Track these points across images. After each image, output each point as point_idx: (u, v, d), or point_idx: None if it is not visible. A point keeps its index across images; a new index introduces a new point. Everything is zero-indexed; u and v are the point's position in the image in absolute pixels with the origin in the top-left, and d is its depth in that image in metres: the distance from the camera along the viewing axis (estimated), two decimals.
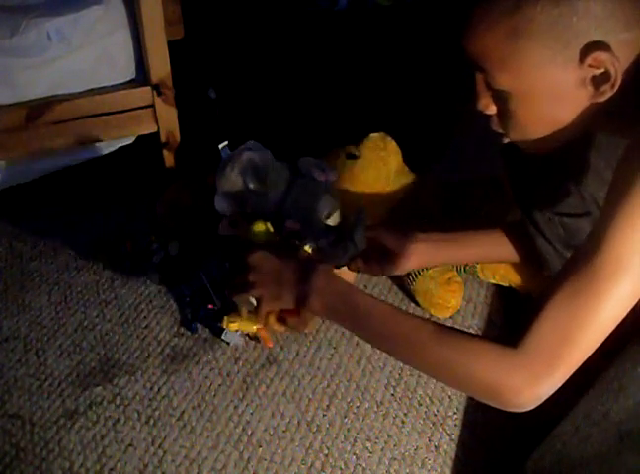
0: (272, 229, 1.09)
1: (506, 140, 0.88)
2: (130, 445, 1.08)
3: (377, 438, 1.09)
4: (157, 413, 1.13)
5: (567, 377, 0.66)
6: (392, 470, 1.05)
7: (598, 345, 0.66)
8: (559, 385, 0.66)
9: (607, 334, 0.65)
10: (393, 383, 1.18)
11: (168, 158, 1.52)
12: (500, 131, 0.80)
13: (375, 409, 1.14)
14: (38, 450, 1.07)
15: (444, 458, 1.07)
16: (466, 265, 1.33)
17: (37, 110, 1.33)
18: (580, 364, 0.66)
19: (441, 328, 0.74)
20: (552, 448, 0.88)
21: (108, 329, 1.28)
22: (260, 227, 1.08)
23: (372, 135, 1.50)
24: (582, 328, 0.64)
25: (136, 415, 1.12)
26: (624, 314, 0.65)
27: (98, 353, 1.23)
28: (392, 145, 1.48)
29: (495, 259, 1.20)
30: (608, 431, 0.84)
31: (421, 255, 1.09)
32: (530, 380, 0.66)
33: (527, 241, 1.06)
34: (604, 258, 0.64)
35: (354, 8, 1.81)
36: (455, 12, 1.68)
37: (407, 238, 1.09)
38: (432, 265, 1.21)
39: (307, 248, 1.17)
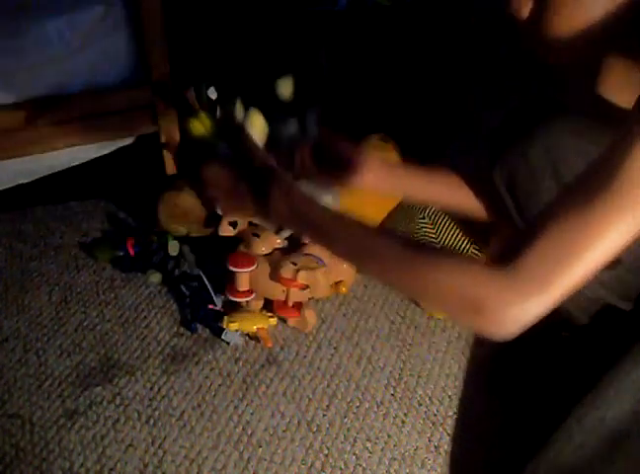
0: (208, 123, 1.03)
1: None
2: (130, 445, 1.08)
3: (377, 438, 1.09)
4: (157, 413, 1.13)
5: (553, 304, 0.63)
6: (392, 470, 1.05)
7: (590, 275, 0.63)
8: (544, 311, 0.63)
9: (602, 266, 0.63)
10: (393, 383, 1.18)
11: (168, 158, 1.52)
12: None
13: (375, 409, 1.14)
14: (38, 450, 1.07)
15: (444, 458, 1.07)
16: None
17: (37, 110, 1.33)
18: (568, 292, 0.63)
19: (417, 242, 0.73)
20: (546, 457, 0.87)
21: (108, 329, 1.28)
22: (196, 124, 1.03)
23: (372, 135, 1.50)
24: (580, 253, 0.62)
25: (136, 415, 1.12)
26: (620, 249, 0.63)
27: (98, 353, 1.23)
28: (392, 145, 1.48)
29: (451, 204, 1.12)
30: (603, 438, 0.82)
31: (376, 172, 1.05)
32: (517, 298, 0.62)
33: (489, 192, 1.03)
34: (623, 187, 0.60)
35: (354, 8, 1.81)
36: (455, 12, 1.68)
37: (364, 152, 1.05)
38: (386, 189, 1.12)
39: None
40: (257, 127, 0.99)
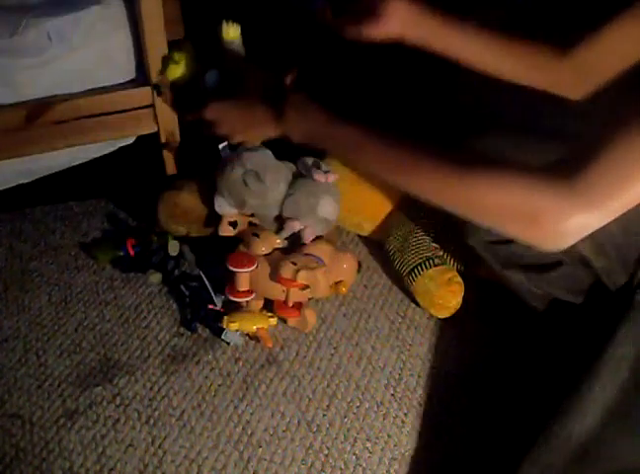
0: (184, 58, 1.03)
1: None
2: (130, 445, 1.08)
3: (377, 438, 1.09)
4: (157, 413, 1.13)
5: (612, 218, 0.62)
6: (392, 470, 1.05)
7: None
8: (600, 225, 0.62)
9: None
10: (393, 383, 1.18)
11: (168, 158, 1.52)
12: None
13: (375, 409, 1.14)
14: (38, 450, 1.07)
15: (444, 458, 1.07)
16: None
17: (37, 110, 1.33)
18: (625, 209, 0.62)
19: (466, 154, 0.67)
20: None
21: (108, 329, 1.28)
22: (172, 68, 1.01)
23: None
24: None
25: (136, 415, 1.12)
26: None
27: (98, 353, 1.23)
28: None
29: (498, 70, 0.98)
30: (570, 454, 0.81)
31: (404, 19, 0.95)
32: (578, 210, 0.61)
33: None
34: None
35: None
36: (455, 12, 1.68)
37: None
38: (415, 40, 1.01)
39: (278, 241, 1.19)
40: (232, 36, 0.97)
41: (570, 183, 0.62)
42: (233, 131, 0.88)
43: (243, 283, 1.23)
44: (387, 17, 0.94)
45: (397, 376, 1.20)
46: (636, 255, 0.91)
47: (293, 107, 0.79)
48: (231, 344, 1.24)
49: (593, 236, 0.86)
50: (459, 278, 1.30)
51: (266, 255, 1.26)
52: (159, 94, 1.40)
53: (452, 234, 1.33)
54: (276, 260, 1.23)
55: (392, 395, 1.16)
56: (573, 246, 0.89)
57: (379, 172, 0.76)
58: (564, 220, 0.62)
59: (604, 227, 0.84)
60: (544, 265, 1.04)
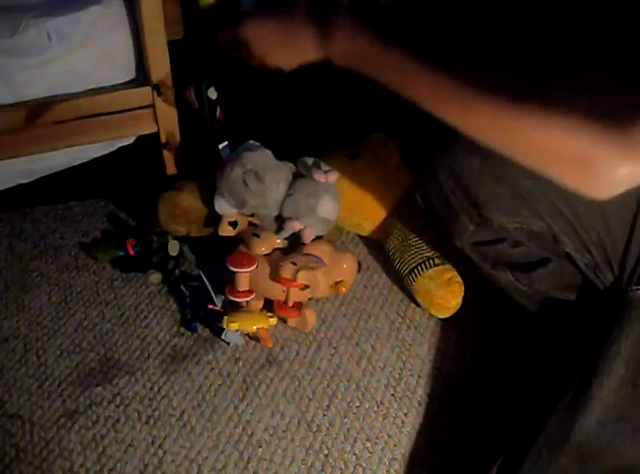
0: None
1: None
2: (130, 445, 1.08)
3: (377, 438, 1.09)
4: (157, 413, 1.13)
5: None
6: (392, 470, 1.05)
7: None
8: None
9: None
10: (393, 383, 1.18)
11: (168, 158, 1.52)
12: None
13: (375, 409, 1.14)
14: (38, 450, 1.07)
15: (444, 458, 1.07)
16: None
17: (37, 110, 1.33)
18: None
19: (525, 88, 0.64)
20: None
21: (108, 329, 1.28)
22: None
23: (372, 135, 1.50)
24: None
25: (136, 415, 1.12)
26: None
27: (98, 353, 1.23)
28: (392, 145, 1.48)
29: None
30: (570, 454, 0.82)
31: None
32: (631, 160, 0.61)
33: None
34: None
35: (354, 8, 1.81)
36: (456, 12, 1.68)
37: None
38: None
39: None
40: None
41: (625, 133, 0.61)
42: (270, 50, 0.77)
43: (243, 283, 1.23)
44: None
45: (397, 376, 1.20)
46: (621, 252, 0.90)
47: (341, 27, 0.73)
48: (231, 344, 1.24)
49: (575, 231, 0.86)
50: (459, 278, 1.30)
51: (266, 255, 1.26)
52: (159, 94, 1.40)
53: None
54: (276, 260, 1.23)
55: (392, 395, 1.16)
56: (557, 242, 0.88)
57: (429, 104, 0.72)
58: (615, 169, 0.62)
59: (586, 222, 0.84)
60: (531, 263, 1.04)
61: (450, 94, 0.68)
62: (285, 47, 0.76)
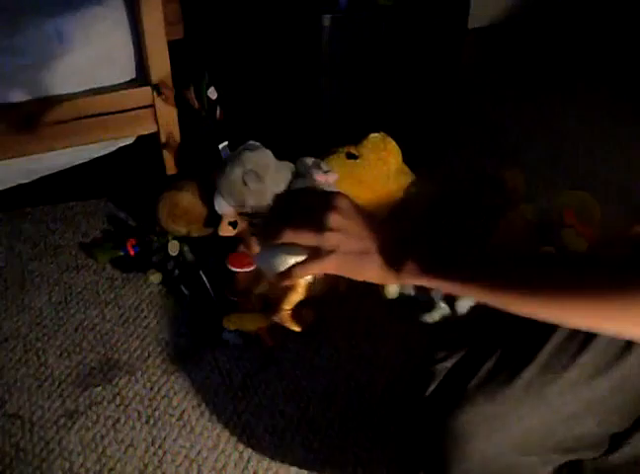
0: None
1: None
2: (130, 445, 1.08)
3: (377, 438, 1.09)
4: (157, 413, 1.13)
5: None
6: (392, 470, 1.05)
7: None
8: None
9: None
10: (393, 383, 1.18)
11: (168, 158, 1.52)
12: None
13: (375, 409, 1.14)
14: (38, 450, 1.07)
15: None
16: None
17: (37, 110, 1.33)
18: None
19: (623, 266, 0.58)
20: None
21: (108, 329, 1.28)
22: None
23: (372, 135, 1.50)
24: None
25: (136, 415, 1.12)
26: None
27: (98, 353, 1.23)
28: (392, 145, 1.48)
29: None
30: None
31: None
32: None
33: None
34: None
35: (354, 8, 1.81)
36: (456, 12, 1.67)
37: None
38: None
39: None
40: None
41: None
42: (342, 245, 0.63)
43: (243, 283, 1.23)
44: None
45: (397, 376, 1.20)
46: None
47: (413, 264, 0.63)
48: (231, 344, 1.24)
49: None
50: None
51: None
52: (159, 94, 1.40)
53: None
54: None
55: (392, 395, 1.16)
56: None
57: (518, 308, 0.63)
58: None
59: None
60: None
61: (546, 298, 0.61)
62: (352, 256, 0.64)
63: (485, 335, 0.86)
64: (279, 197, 0.67)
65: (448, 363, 0.82)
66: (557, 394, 0.73)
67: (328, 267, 0.63)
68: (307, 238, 0.63)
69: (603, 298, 0.58)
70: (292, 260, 0.63)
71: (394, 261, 0.63)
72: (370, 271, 0.64)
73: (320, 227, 0.62)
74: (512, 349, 0.80)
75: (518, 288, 0.62)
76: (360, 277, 0.65)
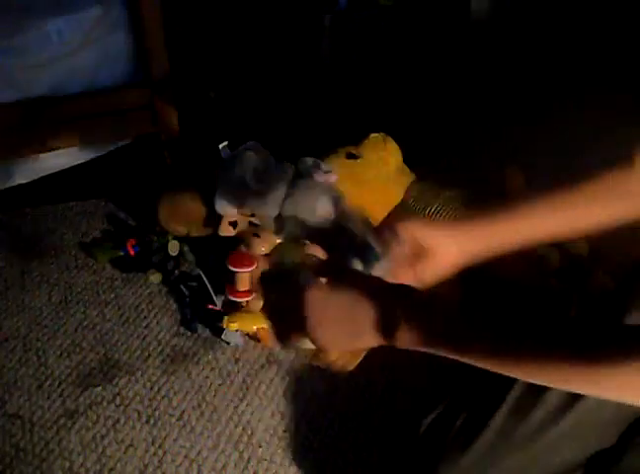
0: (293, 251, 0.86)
1: None
2: (130, 445, 1.08)
3: (377, 438, 1.09)
4: (157, 413, 1.13)
5: None
6: (393, 470, 1.05)
7: None
8: None
9: None
10: (393, 383, 1.18)
11: (168, 158, 1.52)
12: None
13: (375, 409, 1.14)
14: (38, 450, 1.07)
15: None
16: None
17: (37, 110, 1.33)
18: None
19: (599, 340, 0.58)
20: None
21: (108, 329, 1.28)
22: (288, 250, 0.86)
23: (372, 135, 1.50)
24: None
25: (136, 415, 1.12)
26: None
27: (98, 353, 1.23)
28: (392, 145, 1.48)
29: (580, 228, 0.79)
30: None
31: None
32: None
33: None
34: None
35: (354, 8, 1.81)
36: (455, 12, 1.67)
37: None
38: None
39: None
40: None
41: None
42: (327, 335, 0.67)
43: (243, 283, 1.23)
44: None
45: (397, 376, 1.20)
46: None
47: (408, 325, 0.65)
48: (231, 344, 1.24)
49: None
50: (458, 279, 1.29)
51: (266, 255, 1.26)
52: (159, 94, 1.40)
53: None
54: None
55: (392, 395, 1.16)
56: None
57: (519, 373, 0.64)
58: None
59: None
60: None
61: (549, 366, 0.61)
62: (346, 338, 0.67)
63: (461, 386, 0.90)
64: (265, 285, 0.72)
65: (429, 419, 0.86)
66: (527, 435, 0.77)
67: (334, 355, 0.72)
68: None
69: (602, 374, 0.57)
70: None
71: (387, 333, 0.65)
72: (368, 344, 0.67)
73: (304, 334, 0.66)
74: (483, 395, 0.84)
75: (522, 367, 0.62)
76: (351, 348, 0.68)
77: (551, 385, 0.64)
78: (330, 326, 0.66)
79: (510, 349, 0.62)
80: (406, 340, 0.65)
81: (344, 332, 0.66)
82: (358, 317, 0.65)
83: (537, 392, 0.78)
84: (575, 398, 0.76)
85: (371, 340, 0.66)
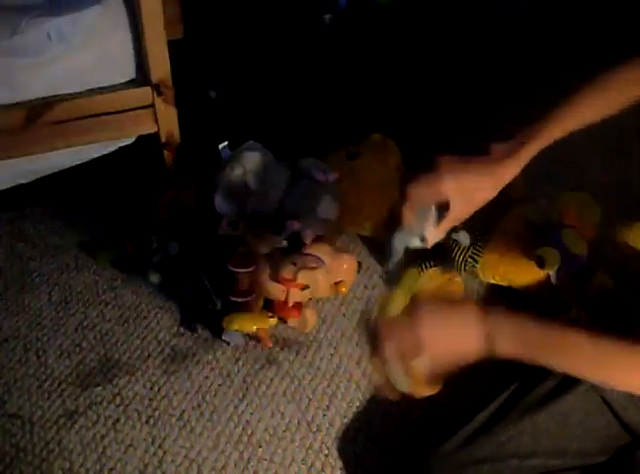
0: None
1: None
2: (130, 445, 1.08)
3: (377, 438, 1.09)
4: (157, 413, 1.13)
5: None
6: (393, 470, 1.05)
7: None
8: None
9: None
10: None
11: (168, 158, 1.52)
12: None
13: (375, 409, 1.14)
14: (38, 450, 1.07)
15: None
16: (466, 265, 1.30)
17: (37, 110, 1.33)
18: None
19: None
20: None
21: (108, 329, 1.28)
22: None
23: (372, 135, 1.50)
24: None
25: (136, 415, 1.12)
26: None
27: (98, 353, 1.23)
28: (392, 145, 1.48)
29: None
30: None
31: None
32: None
33: None
34: None
35: (354, 7, 1.81)
36: (455, 12, 1.67)
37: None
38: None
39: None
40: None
41: None
42: (433, 341, 0.74)
43: (243, 283, 1.23)
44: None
45: None
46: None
47: (501, 326, 0.72)
48: (231, 344, 1.24)
49: None
50: (459, 278, 1.30)
51: (266, 255, 1.26)
52: (159, 94, 1.40)
53: None
54: (276, 260, 1.23)
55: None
56: None
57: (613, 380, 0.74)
58: None
59: None
60: None
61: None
62: (450, 345, 0.75)
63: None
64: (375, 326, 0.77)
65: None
66: (503, 429, 0.89)
67: (438, 371, 0.77)
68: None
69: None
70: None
71: (486, 344, 0.72)
72: (472, 356, 0.74)
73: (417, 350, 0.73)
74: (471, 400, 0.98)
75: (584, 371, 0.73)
76: (455, 358, 0.75)
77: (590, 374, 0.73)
78: (443, 340, 0.74)
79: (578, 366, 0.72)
80: (506, 347, 0.72)
81: (454, 345, 0.74)
82: (465, 331, 0.73)
83: (520, 396, 0.92)
84: (550, 399, 0.90)
85: (476, 351, 0.73)
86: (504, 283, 1.31)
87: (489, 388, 0.98)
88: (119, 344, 1.25)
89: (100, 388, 1.17)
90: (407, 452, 0.97)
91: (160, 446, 1.08)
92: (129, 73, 1.42)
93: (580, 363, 0.72)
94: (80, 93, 1.38)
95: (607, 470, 0.88)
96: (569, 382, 0.90)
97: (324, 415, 1.13)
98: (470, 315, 0.73)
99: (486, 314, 0.72)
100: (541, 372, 0.92)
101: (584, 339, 0.70)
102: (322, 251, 1.25)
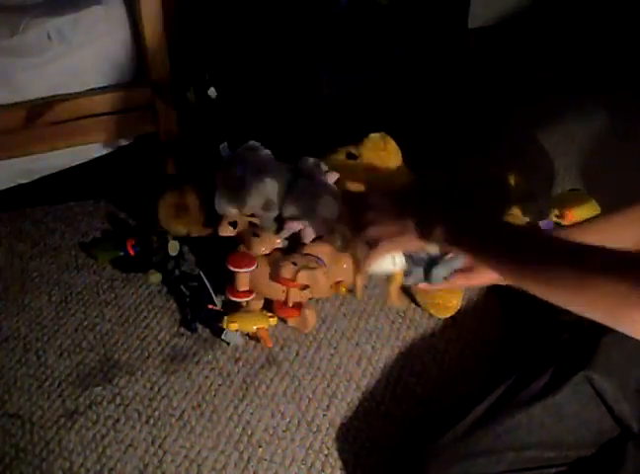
0: None
1: None
2: (130, 445, 1.08)
3: (377, 439, 1.09)
4: (157, 413, 1.13)
5: None
6: (392, 470, 1.05)
7: None
8: None
9: None
10: (393, 383, 1.18)
11: (168, 158, 1.52)
12: None
13: (375, 409, 1.14)
14: (38, 450, 1.07)
15: None
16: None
17: (37, 110, 1.33)
18: None
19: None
20: None
21: (108, 329, 1.28)
22: None
23: (372, 135, 1.50)
24: None
25: (136, 415, 1.12)
26: None
27: (98, 353, 1.23)
28: (392, 145, 1.48)
29: None
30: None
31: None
32: None
33: None
34: None
35: (354, 7, 1.81)
36: (455, 12, 1.68)
37: None
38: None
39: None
40: None
41: None
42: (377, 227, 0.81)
43: (243, 283, 1.23)
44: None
45: (397, 376, 1.20)
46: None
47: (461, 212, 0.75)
48: (231, 344, 1.24)
49: None
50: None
51: (266, 255, 1.26)
52: (159, 94, 1.40)
53: None
54: (276, 260, 1.23)
55: (392, 395, 1.16)
56: None
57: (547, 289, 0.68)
58: None
59: None
60: None
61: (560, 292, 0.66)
62: (393, 223, 0.81)
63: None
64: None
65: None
66: (499, 422, 0.91)
67: (383, 252, 0.82)
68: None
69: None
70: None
71: (428, 231, 0.75)
72: (410, 243, 0.79)
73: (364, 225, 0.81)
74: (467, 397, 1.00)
75: (539, 278, 0.68)
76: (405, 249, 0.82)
77: (549, 294, 0.68)
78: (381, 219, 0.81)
79: (531, 264, 0.69)
80: (442, 236, 0.74)
81: (392, 232, 0.80)
82: (403, 217, 0.79)
83: (516, 390, 0.94)
84: (545, 392, 0.91)
85: (414, 239, 0.78)
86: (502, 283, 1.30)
87: (485, 383, 1.01)
88: (119, 344, 1.25)
89: (100, 388, 1.17)
90: (406, 450, 0.98)
91: (160, 446, 1.08)
92: (129, 73, 1.42)
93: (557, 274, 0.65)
94: (80, 93, 1.38)
95: (598, 462, 0.89)
96: (564, 375, 0.91)
97: (324, 415, 1.13)
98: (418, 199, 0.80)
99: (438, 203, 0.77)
100: (537, 368, 0.96)
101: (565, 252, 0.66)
102: (322, 251, 1.25)
